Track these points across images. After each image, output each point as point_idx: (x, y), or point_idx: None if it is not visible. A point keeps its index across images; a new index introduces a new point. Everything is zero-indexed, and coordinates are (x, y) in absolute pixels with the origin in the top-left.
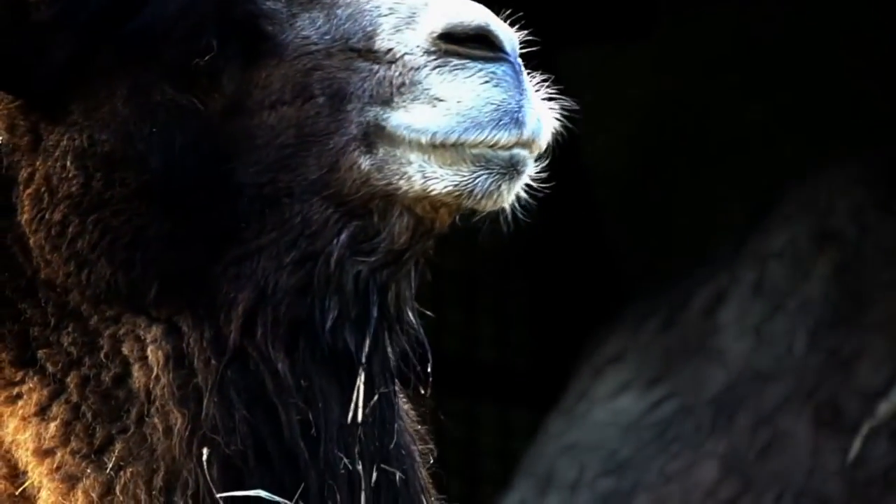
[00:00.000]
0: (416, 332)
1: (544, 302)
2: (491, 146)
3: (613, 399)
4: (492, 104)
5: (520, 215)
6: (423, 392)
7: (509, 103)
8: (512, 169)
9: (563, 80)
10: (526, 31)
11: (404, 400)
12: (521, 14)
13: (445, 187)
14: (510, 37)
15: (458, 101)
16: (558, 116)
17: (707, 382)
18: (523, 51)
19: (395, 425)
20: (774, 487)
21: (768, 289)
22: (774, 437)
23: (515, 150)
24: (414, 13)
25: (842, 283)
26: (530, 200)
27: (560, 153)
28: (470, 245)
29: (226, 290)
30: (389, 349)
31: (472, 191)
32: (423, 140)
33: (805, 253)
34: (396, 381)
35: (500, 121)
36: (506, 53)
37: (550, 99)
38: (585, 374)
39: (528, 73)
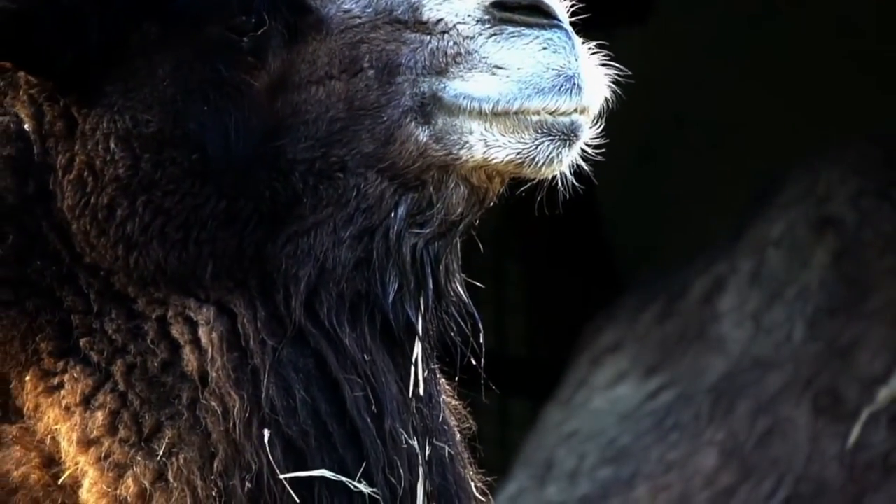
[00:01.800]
0: (466, 305)
1: (541, 290)
2: (552, 112)
3: (612, 388)
4: (552, 70)
5: (573, 183)
6: (475, 365)
7: (569, 69)
8: (572, 135)
9: None
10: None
11: (442, 380)
12: None
13: (507, 155)
14: (560, 5)
15: (518, 69)
16: (610, 84)
17: (706, 371)
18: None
19: (440, 399)
20: (773, 474)
21: (767, 277)
22: (774, 425)
23: (575, 116)
24: None
25: (841, 270)
26: (582, 166)
27: None
28: (466, 234)
29: (284, 267)
30: (437, 321)
31: (534, 158)
32: (485, 108)
33: (804, 240)
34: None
35: (562, 87)
36: (559, 21)
37: (603, 66)
38: (583, 363)
39: (581, 42)
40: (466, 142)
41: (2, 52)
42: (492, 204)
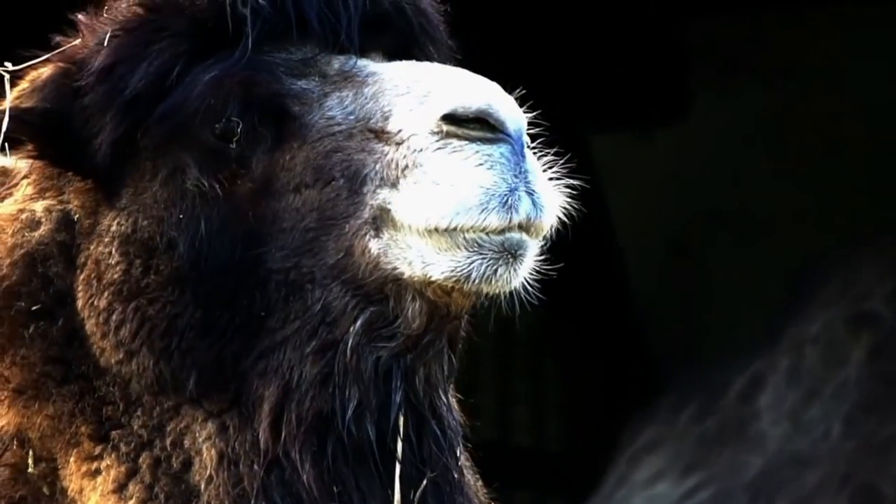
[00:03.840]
0: (450, 417)
1: (578, 388)
2: (483, 230)
3: (651, 486)
4: (482, 187)
5: (529, 298)
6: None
7: (500, 186)
8: (506, 253)
9: (596, 162)
10: (537, 114)
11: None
12: (555, 101)
13: (443, 272)
14: (515, 117)
15: (451, 185)
16: (568, 195)
17: (744, 468)
18: (533, 133)
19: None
20: None
21: (804, 374)
22: None
23: (509, 235)
24: (428, 93)
25: (877, 367)
26: (535, 283)
27: (593, 236)
28: (505, 331)
29: (255, 386)
30: (434, 435)
31: (468, 276)
32: (420, 226)
33: (841, 338)
34: (458, 459)
35: (489, 204)
36: (506, 135)
37: (562, 178)
38: (622, 461)
39: (538, 152)
40: (406, 257)
41: (39, 150)
42: (462, 318)
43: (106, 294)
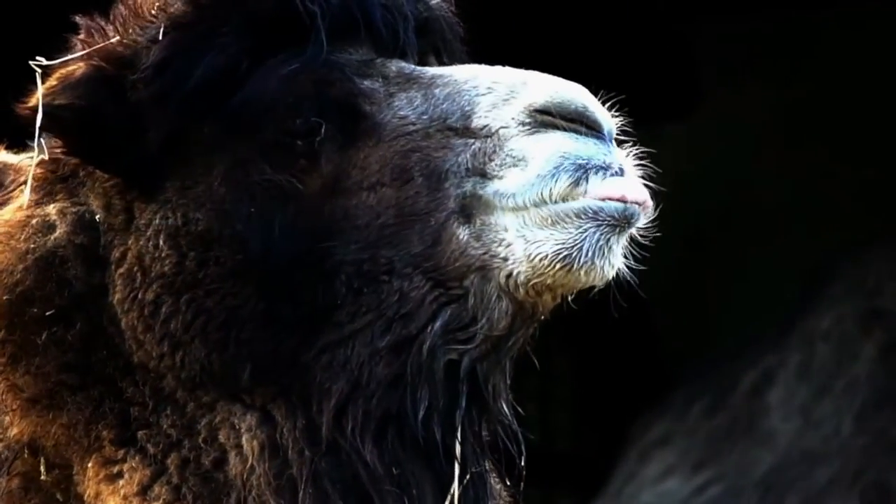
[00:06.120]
0: (510, 424)
1: (588, 385)
2: (587, 196)
3: (660, 482)
4: (579, 157)
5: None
6: (508, 483)
7: (596, 159)
8: (623, 221)
9: None
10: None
11: (496, 480)
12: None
13: (553, 248)
14: (608, 119)
15: (534, 157)
16: (650, 185)
17: (754, 464)
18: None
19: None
20: None
21: (816, 370)
22: None
23: (623, 204)
24: (513, 91)
25: (889, 363)
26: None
27: None
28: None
29: (319, 379)
30: (482, 433)
31: (581, 247)
32: (519, 201)
33: (852, 334)
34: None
35: (590, 169)
36: (601, 134)
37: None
38: (632, 457)
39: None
40: (503, 239)
41: (71, 148)
42: (538, 321)
43: (154, 287)
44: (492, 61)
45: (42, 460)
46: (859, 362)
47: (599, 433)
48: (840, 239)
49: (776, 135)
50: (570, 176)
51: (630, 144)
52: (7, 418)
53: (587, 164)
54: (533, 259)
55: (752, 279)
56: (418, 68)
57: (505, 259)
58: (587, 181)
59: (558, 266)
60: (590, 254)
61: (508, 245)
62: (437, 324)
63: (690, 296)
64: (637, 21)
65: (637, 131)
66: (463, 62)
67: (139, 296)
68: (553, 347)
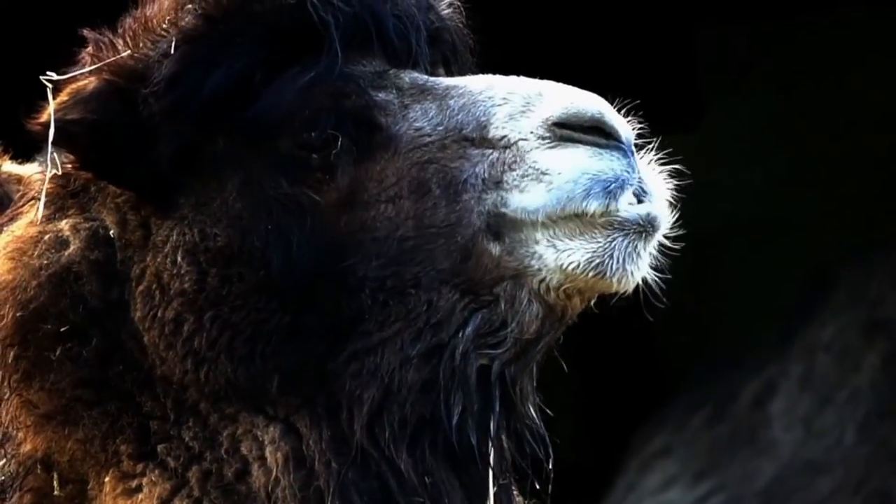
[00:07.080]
0: (538, 428)
1: (588, 396)
2: (610, 212)
3: (662, 492)
4: (597, 173)
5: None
6: (538, 488)
7: (615, 173)
8: (647, 226)
9: None
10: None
11: (516, 493)
12: None
13: (584, 257)
14: (626, 127)
15: (560, 173)
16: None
17: (756, 475)
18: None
19: None
20: None
21: (817, 380)
22: None
23: (645, 210)
24: (528, 102)
25: (891, 373)
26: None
27: None
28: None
29: (349, 387)
30: (508, 442)
31: (612, 254)
32: (545, 215)
33: (854, 344)
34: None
35: (610, 185)
36: (619, 142)
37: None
38: (633, 467)
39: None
40: (535, 252)
41: (83, 163)
42: (566, 325)
43: (174, 304)
44: (496, 71)
45: (56, 476)
46: (862, 372)
47: (600, 444)
48: (841, 248)
49: (778, 143)
50: (598, 198)
51: (648, 150)
52: (20, 434)
53: (612, 183)
54: (566, 268)
55: (753, 288)
56: (432, 79)
57: (539, 270)
58: (616, 200)
59: (591, 274)
60: (620, 259)
61: (540, 256)
62: (469, 329)
63: (691, 303)
64: (642, 29)
65: (640, 139)
66: (472, 72)
67: (159, 314)
68: (553, 359)
